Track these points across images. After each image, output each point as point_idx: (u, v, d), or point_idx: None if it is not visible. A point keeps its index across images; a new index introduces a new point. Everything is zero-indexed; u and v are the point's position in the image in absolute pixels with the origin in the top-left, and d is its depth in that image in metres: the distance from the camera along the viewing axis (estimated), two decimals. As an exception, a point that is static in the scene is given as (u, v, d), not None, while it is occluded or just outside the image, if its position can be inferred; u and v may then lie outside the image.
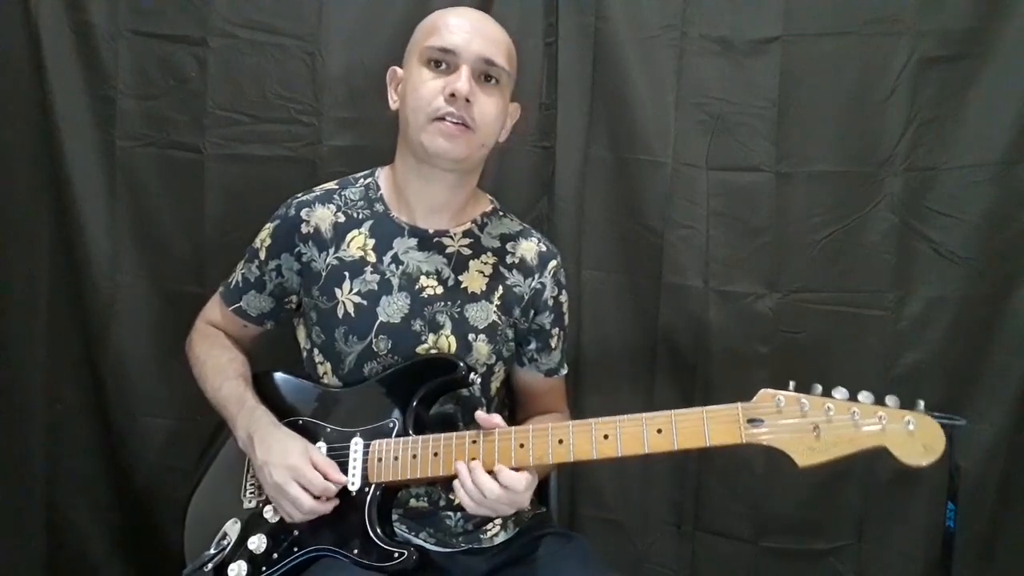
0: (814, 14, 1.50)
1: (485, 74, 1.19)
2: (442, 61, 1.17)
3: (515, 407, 1.38)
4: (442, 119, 1.15)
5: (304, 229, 1.24)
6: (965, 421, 1.34)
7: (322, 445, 1.16)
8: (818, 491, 1.59)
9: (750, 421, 1.01)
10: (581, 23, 1.56)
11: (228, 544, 1.16)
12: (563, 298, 1.33)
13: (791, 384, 1.02)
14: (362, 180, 1.31)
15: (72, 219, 1.60)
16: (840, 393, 1.00)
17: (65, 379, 1.67)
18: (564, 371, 1.37)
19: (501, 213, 1.33)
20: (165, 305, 1.64)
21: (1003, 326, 1.53)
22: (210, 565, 1.16)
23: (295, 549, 1.13)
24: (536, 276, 1.28)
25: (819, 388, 1.01)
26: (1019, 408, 1.53)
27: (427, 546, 1.22)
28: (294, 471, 1.09)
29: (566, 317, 1.35)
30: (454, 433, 1.11)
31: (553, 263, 1.31)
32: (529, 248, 1.30)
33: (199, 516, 1.25)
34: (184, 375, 1.63)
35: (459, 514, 1.23)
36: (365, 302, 1.21)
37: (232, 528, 1.18)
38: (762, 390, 1.03)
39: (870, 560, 1.60)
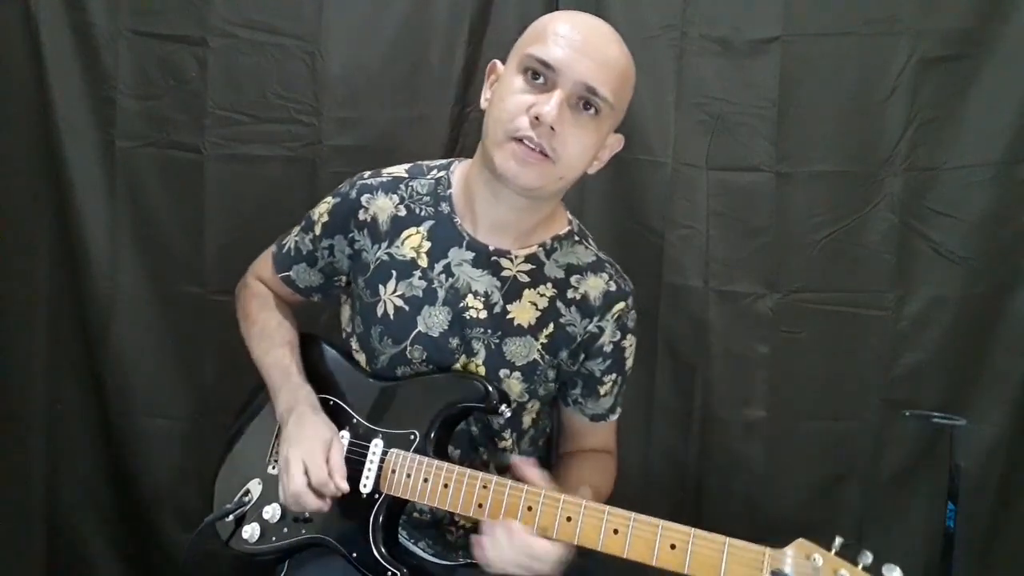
0: (814, 14, 1.50)
1: (585, 101, 1.04)
2: (540, 74, 1.03)
3: (558, 437, 1.31)
4: (520, 140, 1.02)
5: (361, 216, 1.17)
6: (965, 421, 1.35)
7: (346, 435, 1.14)
8: (818, 491, 1.60)
9: (775, 573, 0.88)
10: (581, 23, 1.56)
11: (249, 502, 1.18)
12: (626, 343, 1.22)
13: (837, 542, 0.88)
14: (435, 172, 1.20)
15: (72, 219, 1.60)
16: (893, 573, 0.85)
17: (65, 379, 1.66)
18: (614, 417, 1.26)
19: (577, 238, 1.20)
20: (165, 305, 1.64)
21: (1003, 326, 1.53)
22: (230, 517, 1.17)
23: (303, 531, 1.14)
24: (595, 319, 1.17)
25: (869, 558, 0.87)
26: (1019, 408, 1.53)
27: (426, 556, 1.21)
28: (307, 454, 1.07)
29: (628, 363, 1.24)
30: (468, 470, 1.06)
31: (620, 305, 1.19)
32: (596, 285, 1.18)
33: (231, 466, 1.26)
34: (184, 375, 1.65)
35: (460, 528, 1.21)
36: (407, 307, 1.15)
37: (255, 488, 1.19)
38: (799, 541, 0.89)
39: (870, 560, 1.60)
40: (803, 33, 1.51)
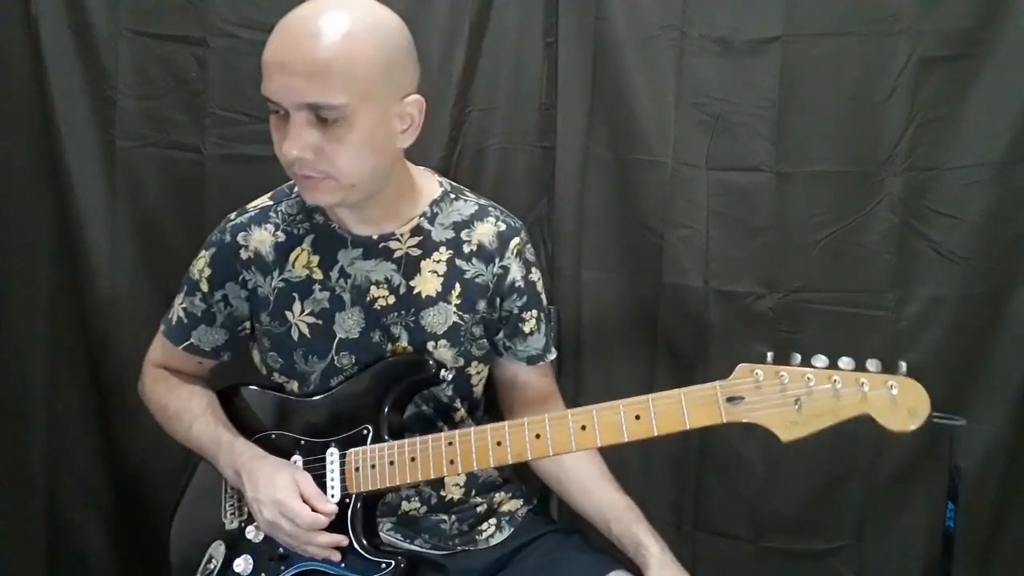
0: (814, 14, 1.50)
1: (318, 117, 0.98)
2: (276, 110, 1.01)
3: (503, 411, 1.30)
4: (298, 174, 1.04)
5: (244, 255, 1.18)
6: (965, 421, 1.35)
7: (297, 459, 1.14)
8: (818, 491, 1.59)
9: (729, 400, 0.96)
10: (581, 23, 1.56)
11: (215, 568, 1.14)
12: (534, 276, 1.23)
13: (769, 355, 0.97)
14: (297, 189, 1.19)
15: (72, 219, 1.60)
16: (820, 361, 0.94)
17: (65, 379, 1.67)
18: (551, 356, 1.26)
19: (453, 195, 1.21)
20: (165, 305, 1.62)
21: (1003, 326, 1.52)
22: None
23: (282, 567, 1.12)
24: (497, 260, 1.19)
25: (798, 357, 0.95)
26: (1019, 408, 1.53)
27: (423, 551, 1.21)
28: (281, 506, 1.06)
29: (543, 296, 1.25)
30: (430, 436, 1.08)
31: (515, 241, 1.20)
32: (486, 231, 1.19)
33: (183, 540, 1.23)
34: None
35: (453, 516, 1.22)
36: (320, 321, 1.16)
37: (217, 551, 1.16)
38: (740, 365, 0.98)
39: (870, 560, 1.60)
40: (803, 33, 1.50)
